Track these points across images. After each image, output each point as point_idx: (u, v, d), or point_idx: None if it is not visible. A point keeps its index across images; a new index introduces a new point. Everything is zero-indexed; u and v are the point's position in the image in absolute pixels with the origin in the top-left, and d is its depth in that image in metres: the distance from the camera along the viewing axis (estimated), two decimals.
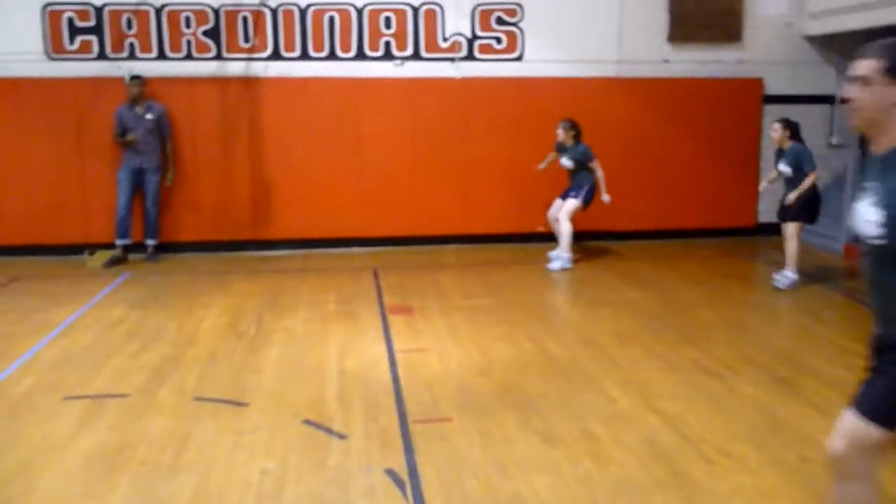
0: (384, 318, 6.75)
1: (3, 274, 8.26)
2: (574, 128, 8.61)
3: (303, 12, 9.33)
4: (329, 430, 4.39)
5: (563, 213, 8.59)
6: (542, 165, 8.97)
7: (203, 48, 9.26)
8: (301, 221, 9.61)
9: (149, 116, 8.96)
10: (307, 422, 4.51)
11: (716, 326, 6.49)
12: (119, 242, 9.01)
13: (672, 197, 10.03)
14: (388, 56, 9.52)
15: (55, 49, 9.07)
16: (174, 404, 4.82)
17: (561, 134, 8.66)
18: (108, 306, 7.19)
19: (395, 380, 5.21)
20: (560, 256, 8.55)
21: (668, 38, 9.90)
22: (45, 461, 4.06)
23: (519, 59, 9.70)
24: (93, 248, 9.07)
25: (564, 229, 8.54)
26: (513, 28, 9.63)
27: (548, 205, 8.86)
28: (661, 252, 9.45)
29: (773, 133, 7.74)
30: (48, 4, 8.96)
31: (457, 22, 9.54)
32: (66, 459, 4.07)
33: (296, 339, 6.18)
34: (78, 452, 4.15)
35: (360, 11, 9.40)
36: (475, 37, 9.60)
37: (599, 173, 8.55)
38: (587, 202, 8.64)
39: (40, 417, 4.62)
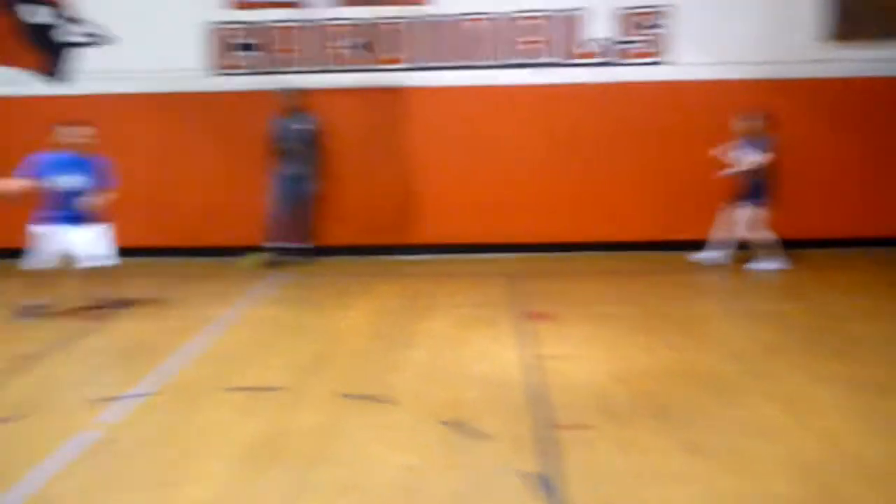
0: (522, 323, 6.80)
1: (174, 273, 8.95)
2: (762, 120, 8.43)
3: (445, 23, 9.55)
4: (469, 431, 4.48)
5: (750, 225, 8.45)
6: (728, 171, 8.66)
7: (354, 60, 9.67)
8: (443, 227, 9.84)
9: (303, 127, 9.45)
10: (448, 422, 4.62)
11: (871, 341, 6.10)
12: (272, 246, 9.55)
13: (823, 203, 9.49)
14: (527, 63, 9.58)
15: (217, 64, 9.74)
16: (323, 399, 5.07)
17: (745, 128, 8.44)
18: (261, 305, 7.65)
19: (534, 385, 5.24)
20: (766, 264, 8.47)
21: (828, 36, 9.39)
22: (207, 448, 4.38)
23: (663, 62, 9.50)
24: (249, 250, 9.65)
25: (763, 238, 8.38)
26: (657, 31, 9.45)
27: (694, 211, 8.63)
28: (814, 261, 8.97)
29: None
30: (211, 23, 9.64)
31: (599, 26, 9.47)
32: (226, 447, 4.37)
33: (436, 342, 6.34)
34: (238, 441, 4.44)
35: (499, 20, 9.51)
36: (617, 41, 9.49)
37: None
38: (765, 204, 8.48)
39: (203, 407, 4.98)
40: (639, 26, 9.42)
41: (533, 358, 5.81)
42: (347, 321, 7.00)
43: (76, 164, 7.11)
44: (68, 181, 7.04)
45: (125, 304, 7.46)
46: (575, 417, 4.68)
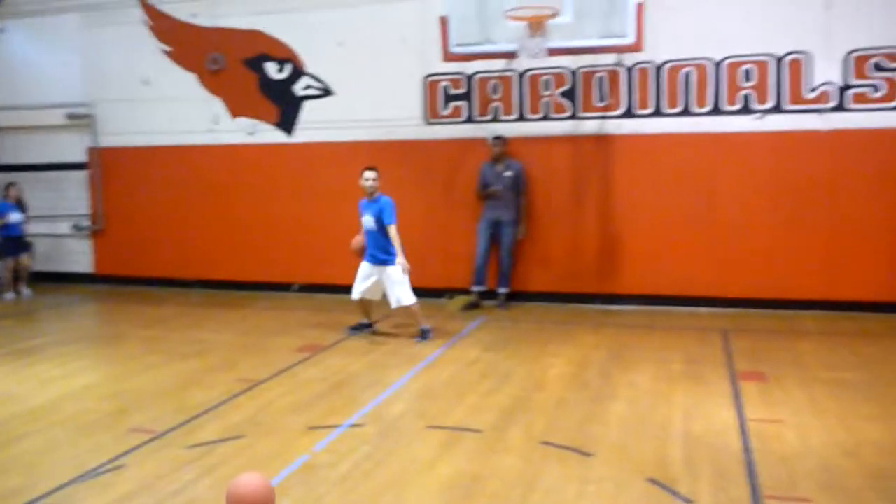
0: (734, 383, 6.39)
1: (382, 312, 9.35)
2: None
3: (658, 69, 9.37)
4: (675, 493, 4.25)
5: None
6: None
7: (559, 108, 9.74)
8: (648, 277, 9.54)
9: (508, 173, 9.63)
10: (652, 481, 4.41)
11: None
12: (475, 289, 9.73)
13: None
14: (746, 109, 9.15)
15: (431, 115, 10.20)
16: (523, 445, 5.03)
17: None
18: (464, 347, 7.78)
19: (747, 450, 4.88)
20: None
21: None
22: (409, 481, 4.49)
23: None
24: (452, 292, 9.90)
25: None
26: (893, 74, 8.69)
27: None
28: None
29: None
30: (428, 76, 10.13)
31: (826, 70, 8.87)
32: (427, 482, 4.46)
33: (640, 396, 6.11)
34: (437, 477, 4.52)
35: (718, 65, 9.19)
36: (847, 86, 8.83)
37: None
38: None
39: (407, 441, 5.13)
40: (877, 68, 8.69)
41: (747, 421, 5.42)
42: (549, 368, 6.94)
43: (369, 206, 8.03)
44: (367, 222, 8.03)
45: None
46: (794, 490, 4.30)
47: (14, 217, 10.77)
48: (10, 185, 10.99)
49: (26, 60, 12.11)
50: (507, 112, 9.93)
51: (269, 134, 10.95)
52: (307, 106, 10.76)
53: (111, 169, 11.74)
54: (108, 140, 11.71)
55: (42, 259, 11.75)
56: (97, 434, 5.39)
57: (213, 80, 11.13)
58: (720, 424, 5.39)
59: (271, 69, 10.85)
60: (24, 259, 10.98)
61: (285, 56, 10.75)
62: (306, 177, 10.74)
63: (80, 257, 11.98)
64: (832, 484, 4.36)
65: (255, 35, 10.83)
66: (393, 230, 7.89)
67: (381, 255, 7.98)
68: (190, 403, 5.97)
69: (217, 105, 11.13)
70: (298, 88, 10.77)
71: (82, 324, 9.80)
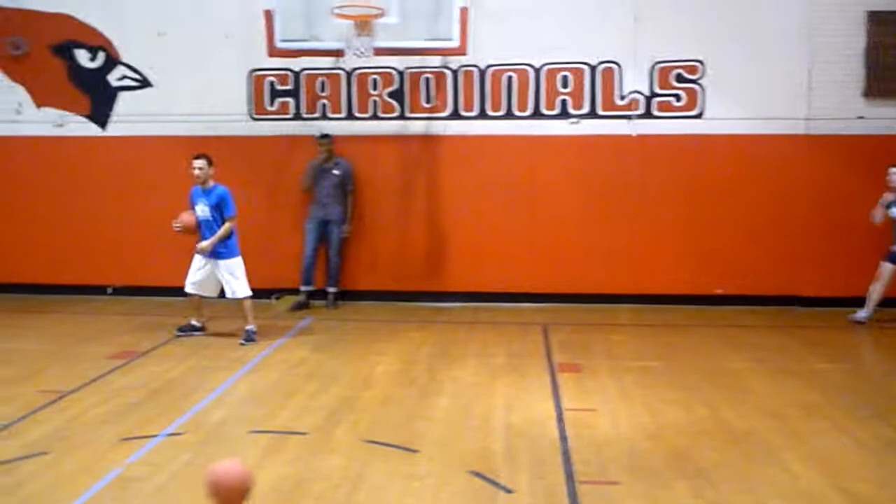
0: (553, 375, 6.72)
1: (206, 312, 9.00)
2: None
3: (482, 73, 9.67)
4: (495, 484, 4.41)
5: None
6: (878, 218, 8.53)
7: (388, 108, 9.81)
8: (473, 275, 9.83)
9: (336, 172, 9.57)
10: (474, 473, 4.55)
11: None
12: (303, 289, 9.61)
13: (862, 262, 9.29)
14: (564, 114, 9.64)
15: (257, 110, 9.95)
16: (348, 445, 5.03)
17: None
18: (291, 348, 7.66)
19: (563, 438, 5.15)
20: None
21: (864, 94, 9.32)
22: None
23: (699, 116, 9.50)
24: (280, 292, 9.72)
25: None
26: (693, 85, 9.47)
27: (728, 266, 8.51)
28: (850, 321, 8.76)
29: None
30: (254, 70, 9.87)
31: (635, 80, 9.52)
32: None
33: (464, 390, 6.28)
34: (260, 482, 4.40)
35: (538, 71, 9.61)
36: (653, 94, 9.52)
37: None
38: None
39: (229, 447, 4.97)
40: (679, 79, 9.41)
41: (564, 411, 5.72)
42: (376, 367, 6.98)
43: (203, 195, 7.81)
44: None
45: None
46: (605, 474, 4.59)
47: None
48: None
49: None
50: (336, 110, 9.87)
51: (81, 126, 10.22)
52: (123, 97, 10.15)
53: None
54: None
55: None
56: None
57: (14, 65, 10.25)
58: (539, 415, 5.65)
59: (82, 57, 10.14)
60: None
61: (98, 43, 10.08)
62: (123, 172, 10.14)
63: None
64: (638, 466, 4.69)
65: (63, 20, 10.07)
66: (230, 223, 7.75)
67: (217, 247, 7.73)
68: None
69: (20, 93, 10.25)
70: (113, 79, 10.14)
71: None
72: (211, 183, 7.84)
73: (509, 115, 9.70)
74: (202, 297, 8.02)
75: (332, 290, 9.73)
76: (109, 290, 10.28)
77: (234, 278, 7.83)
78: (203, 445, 5.03)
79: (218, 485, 3.23)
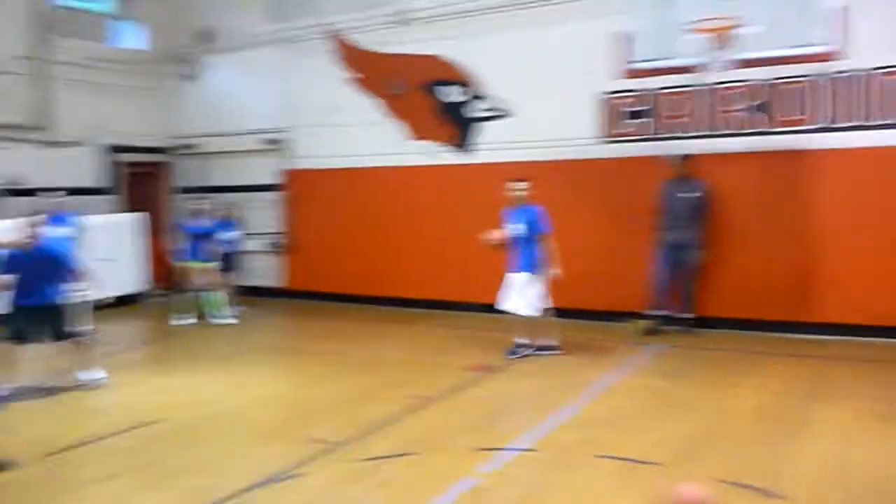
0: None
1: (554, 333, 9.17)
2: None
3: (863, 78, 8.57)
4: None
5: None
6: None
7: (749, 123, 9.17)
8: (849, 305, 8.70)
9: (691, 194, 9.17)
10: None
11: None
12: (655, 313, 9.32)
13: None
14: None
15: (609, 133, 9.95)
16: (705, 481, 4.68)
17: None
18: (642, 374, 7.45)
19: None
20: None
21: None
22: None
23: None
24: (631, 316, 9.53)
25: None
26: None
27: None
28: None
29: None
30: (607, 93, 9.90)
31: None
32: None
33: (840, 435, 5.54)
34: None
35: None
36: None
37: None
38: None
39: (579, 470, 4.94)
40: None
41: None
42: (733, 400, 6.48)
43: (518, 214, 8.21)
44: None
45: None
46: None
47: (229, 235, 10.86)
48: (225, 206, 11.19)
49: (230, 91, 13.16)
50: (692, 128, 9.48)
51: (448, 155, 11.17)
52: (485, 127, 10.87)
53: (302, 190, 12.45)
54: (300, 163, 12.44)
55: (241, 274, 12.59)
56: (278, 441, 5.64)
57: (396, 104, 11.53)
58: None
59: (449, 92, 11.08)
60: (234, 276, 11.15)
61: (462, 79, 10.94)
62: (481, 196, 10.78)
63: (273, 273, 12.76)
64: None
65: (433, 60, 11.11)
66: (549, 239, 8.00)
67: (526, 263, 8.02)
68: (364, 417, 6.11)
69: (401, 128, 11.51)
70: (475, 110, 10.92)
71: (271, 336, 10.38)
72: (527, 203, 8.11)
73: (890, 124, 8.46)
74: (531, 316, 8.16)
75: (685, 315, 9.31)
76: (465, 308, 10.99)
77: (529, 294, 7.98)
78: (553, 464, 5.06)
79: None
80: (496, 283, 10.46)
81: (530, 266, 8.06)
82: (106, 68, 12.46)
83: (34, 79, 11.55)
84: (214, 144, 13.23)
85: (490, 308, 10.52)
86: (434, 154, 11.27)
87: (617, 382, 7.14)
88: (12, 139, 11.28)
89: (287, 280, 12.69)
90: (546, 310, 8.11)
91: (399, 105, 11.52)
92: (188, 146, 13.53)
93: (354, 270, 11.87)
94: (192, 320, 10.28)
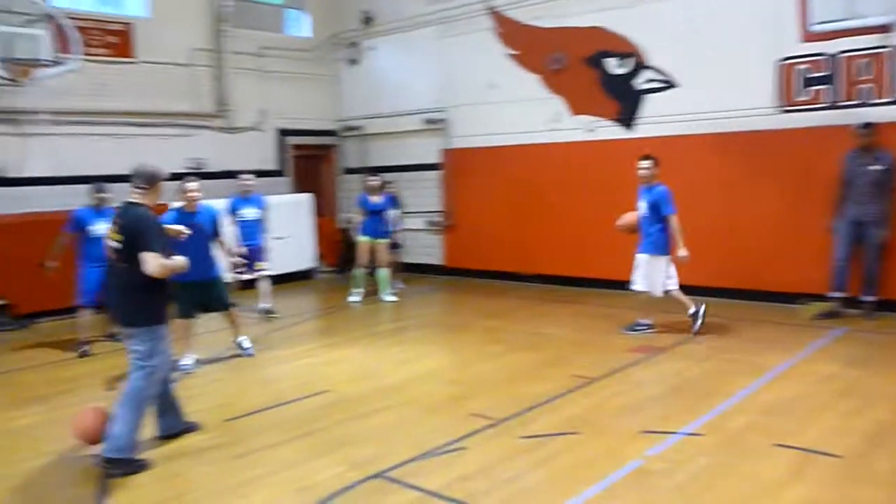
0: None
1: (728, 315, 8.75)
2: None
3: None
4: None
5: None
6: None
7: None
8: None
9: (875, 166, 8.43)
10: None
11: None
12: (834, 295, 8.69)
13: None
14: None
15: (787, 102, 9.30)
16: (892, 478, 4.33)
17: None
18: (819, 360, 6.97)
19: None
20: None
21: None
22: (753, 502, 4.10)
23: None
24: (807, 298, 8.93)
25: None
26: None
27: None
28: None
29: None
30: (782, 59, 9.25)
31: None
32: None
33: None
34: (785, 502, 4.07)
35: None
36: None
37: None
38: None
39: (750, 458, 4.70)
40: None
41: None
42: None
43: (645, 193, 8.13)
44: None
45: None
46: None
47: (392, 214, 11.10)
48: (385, 184, 11.71)
49: (391, 73, 13.48)
50: (881, 94, 8.69)
51: (608, 130, 10.88)
52: (648, 100, 10.49)
53: (459, 168, 12.58)
54: (458, 142, 12.57)
55: (402, 251, 12.95)
56: (441, 416, 5.75)
57: (554, 79, 11.37)
58: None
59: (612, 65, 10.76)
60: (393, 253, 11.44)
61: (626, 50, 10.58)
62: None
63: (432, 251, 13.02)
64: None
65: (595, 32, 10.82)
66: (673, 220, 7.87)
67: (649, 243, 7.99)
68: (526, 394, 6.11)
69: (558, 104, 11.34)
70: (639, 82, 10.54)
71: (432, 312, 10.59)
72: (654, 182, 7.98)
73: None
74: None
75: (868, 298, 8.61)
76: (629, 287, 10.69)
77: (652, 275, 8.00)
78: (723, 450, 4.85)
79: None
80: None
81: (653, 247, 7.99)
82: (275, 56, 13.14)
83: (213, 69, 12.34)
84: (376, 125, 13.64)
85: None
86: (593, 129, 11.02)
87: (791, 367, 6.71)
88: (195, 126, 12.14)
89: (445, 257, 12.91)
90: (669, 291, 8.04)
91: (557, 80, 11.34)
92: (352, 128, 14.03)
93: (511, 248, 11.89)
94: (359, 297, 10.66)
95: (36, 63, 9.27)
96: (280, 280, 11.50)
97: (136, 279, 4.87)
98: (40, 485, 4.75)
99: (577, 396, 6.06)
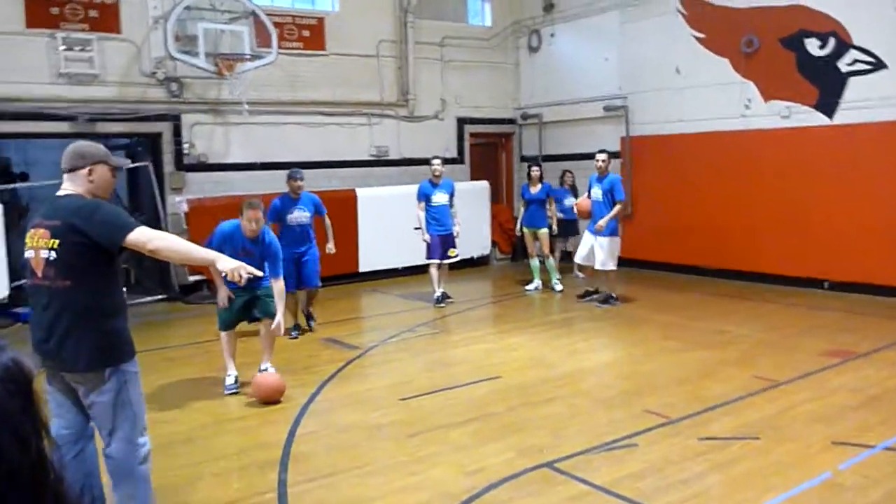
0: None
1: None
2: None
3: None
4: None
5: None
6: None
7: None
8: None
9: None
10: None
11: None
12: None
13: None
14: None
15: None
16: None
17: None
18: None
19: None
20: None
21: None
22: None
23: None
24: None
25: None
26: None
27: None
28: None
29: None
30: None
31: None
32: None
33: None
34: None
35: None
36: None
37: None
38: None
39: None
40: None
41: None
42: None
43: None
44: None
45: None
46: None
47: (569, 202, 11.41)
48: (565, 173, 12.04)
49: (571, 60, 13.29)
50: None
51: (805, 116, 10.11)
52: (853, 83, 9.63)
53: (641, 157, 12.18)
54: (639, 129, 12.18)
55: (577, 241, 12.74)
56: (613, 410, 5.62)
57: (745, 63, 10.71)
58: None
59: (812, 45, 9.97)
60: (572, 242, 11.39)
61: (829, 29, 9.76)
62: (847, 163, 9.62)
63: None
64: None
65: (795, 10, 10.05)
66: (621, 206, 8.92)
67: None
68: (705, 394, 5.84)
69: (749, 89, 10.68)
70: (843, 65, 9.70)
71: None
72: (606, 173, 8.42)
73: None
74: None
75: None
76: (826, 285, 9.93)
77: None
78: None
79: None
80: (875, 258, 9.33)
81: (608, 230, 9.01)
82: (457, 45, 13.34)
83: (397, 59, 12.73)
84: (554, 113, 13.51)
85: (853, 287, 9.48)
86: (788, 116, 10.28)
87: None
88: (380, 115, 12.60)
89: (622, 248, 12.56)
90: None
91: (748, 63, 10.67)
92: (530, 116, 13.99)
93: (694, 240, 11.37)
94: (537, 285, 10.65)
95: (239, 57, 9.99)
96: (456, 266, 11.73)
97: (86, 300, 3.40)
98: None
99: (760, 400, 5.70)
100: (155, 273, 11.03)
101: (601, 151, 9.44)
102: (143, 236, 3.38)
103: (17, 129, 9.78)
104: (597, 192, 9.29)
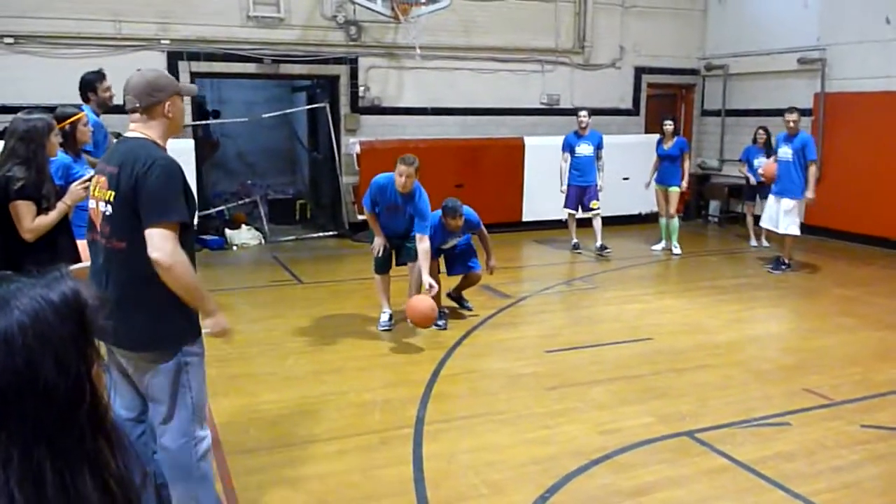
0: None
1: None
2: None
3: None
4: None
5: None
6: None
7: None
8: None
9: None
10: None
11: None
12: None
13: None
14: None
15: None
16: None
17: None
18: None
19: None
20: None
21: None
22: None
23: None
24: None
25: None
26: None
27: None
28: None
29: None
30: None
31: None
32: None
33: None
34: None
35: None
36: None
37: None
38: None
39: None
40: None
41: None
42: None
43: None
44: None
45: None
46: None
47: (758, 162, 10.36)
48: (758, 130, 10.78)
49: (764, 7, 12.29)
50: None
51: None
52: None
53: (836, 116, 11.15)
54: (837, 85, 11.13)
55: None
56: (768, 384, 5.30)
57: None
58: None
59: None
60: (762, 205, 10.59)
61: None
62: None
63: None
64: None
65: None
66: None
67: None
68: (876, 378, 5.37)
69: None
70: None
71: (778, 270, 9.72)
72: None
73: None
74: None
75: None
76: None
77: None
78: None
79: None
80: None
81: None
82: None
83: (575, 4, 12.33)
84: (742, 65, 12.62)
85: None
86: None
87: None
88: (554, 62, 12.32)
89: (805, 214, 11.65)
90: None
91: None
92: (714, 67, 13.15)
93: (888, 211, 10.34)
94: (664, 245, 10.20)
95: (415, 1, 10.08)
96: (620, 221, 11.42)
97: (143, 270, 2.78)
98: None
99: None
100: (328, 210, 11.59)
101: (791, 110, 8.81)
102: (162, 240, 2.74)
103: (210, 70, 10.48)
104: (786, 152, 8.78)
